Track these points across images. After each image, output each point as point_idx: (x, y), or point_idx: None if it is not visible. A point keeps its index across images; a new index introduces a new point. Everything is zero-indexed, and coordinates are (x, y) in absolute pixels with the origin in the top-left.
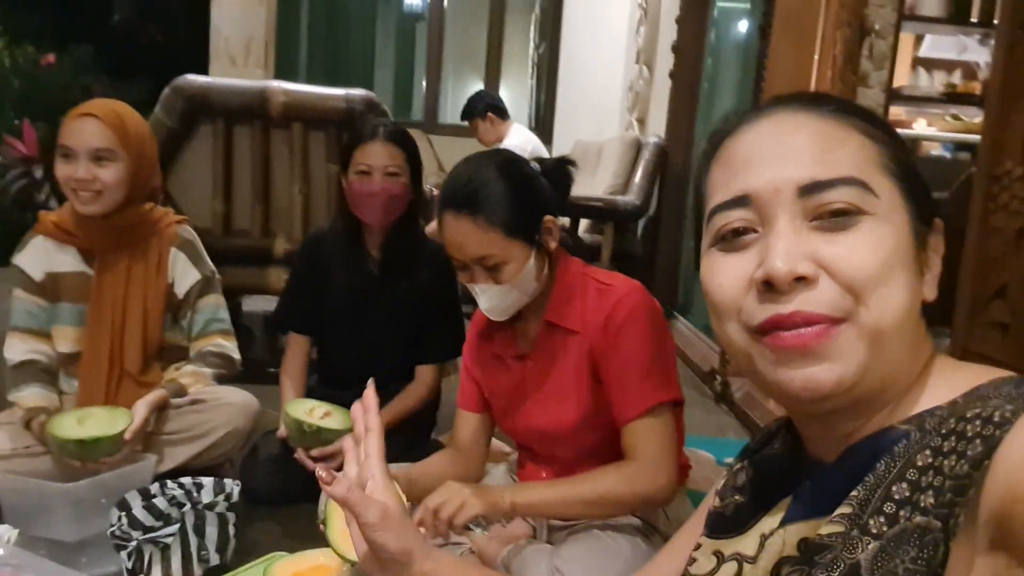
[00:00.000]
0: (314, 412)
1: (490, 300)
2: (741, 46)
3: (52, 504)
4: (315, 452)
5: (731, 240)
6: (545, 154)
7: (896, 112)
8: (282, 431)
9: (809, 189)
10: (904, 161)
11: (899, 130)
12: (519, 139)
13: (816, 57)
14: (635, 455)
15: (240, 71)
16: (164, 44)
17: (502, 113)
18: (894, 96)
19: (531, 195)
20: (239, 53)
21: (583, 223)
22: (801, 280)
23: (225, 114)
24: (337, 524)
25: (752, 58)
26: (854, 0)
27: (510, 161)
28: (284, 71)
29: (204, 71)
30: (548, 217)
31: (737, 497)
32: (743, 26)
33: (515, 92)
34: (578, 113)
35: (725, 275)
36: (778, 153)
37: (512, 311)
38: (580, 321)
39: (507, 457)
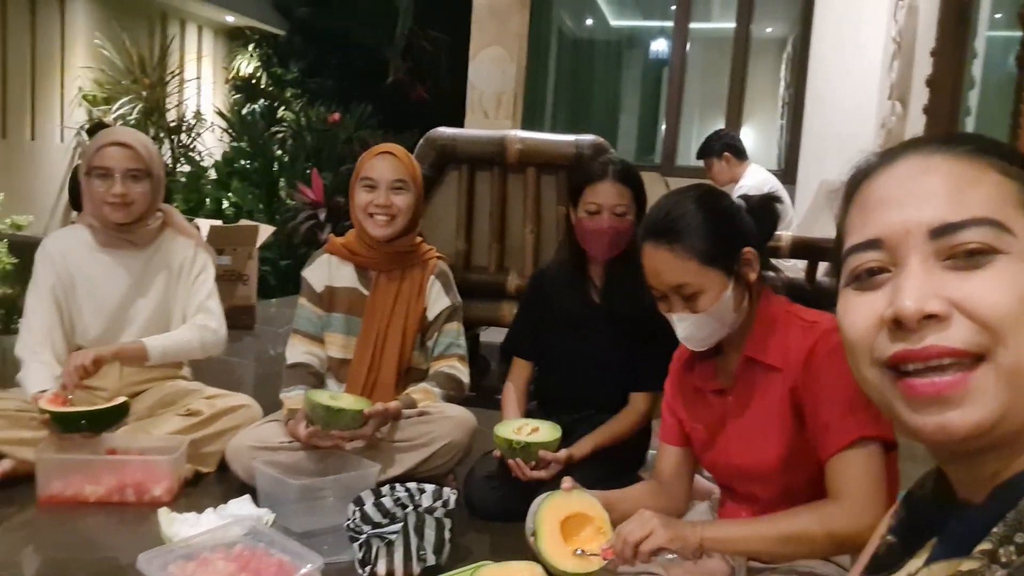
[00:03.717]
0: (522, 430)
1: (687, 329)
2: (1014, 78)
3: (287, 497)
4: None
5: (865, 280)
6: (784, 196)
7: None
8: (497, 451)
9: (940, 231)
10: None
11: None
12: (755, 179)
13: None
14: (837, 494)
15: (491, 122)
16: (430, 100)
17: (739, 153)
18: None
19: (729, 226)
20: (491, 106)
21: (822, 266)
22: (932, 318)
23: (469, 161)
24: (548, 535)
25: None
26: None
27: (709, 193)
28: (530, 121)
29: (462, 123)
30: (748, 249)
31: (890, 538)
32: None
33: (761, 133)
34: (825, 152)
35: (858, 313)
36: (910, 196)
37: (711, 341)
38: (782, 358)
39: (711, 495)
